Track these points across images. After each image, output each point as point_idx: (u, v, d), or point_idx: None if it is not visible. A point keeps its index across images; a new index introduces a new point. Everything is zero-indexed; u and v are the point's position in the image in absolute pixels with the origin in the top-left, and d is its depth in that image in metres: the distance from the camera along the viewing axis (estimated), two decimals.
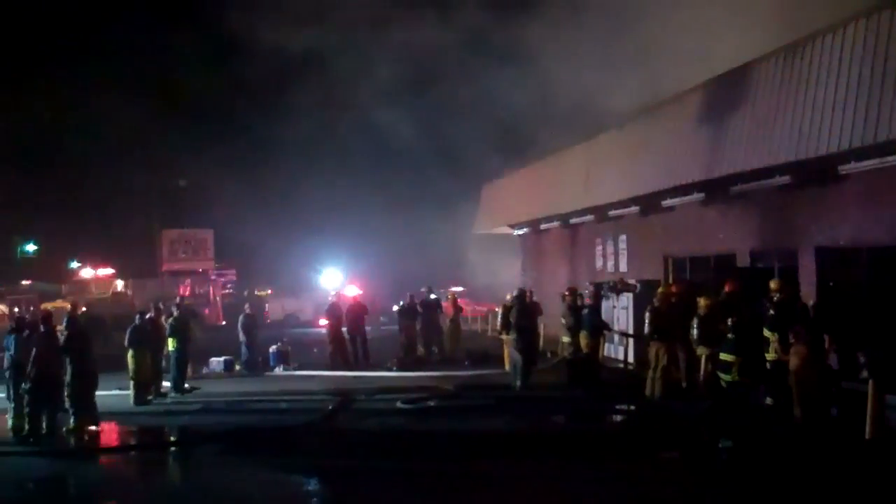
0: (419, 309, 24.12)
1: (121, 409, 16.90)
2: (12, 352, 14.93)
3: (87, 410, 14.85)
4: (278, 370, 22.66)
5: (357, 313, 24.04)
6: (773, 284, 14.39)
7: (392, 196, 46.00)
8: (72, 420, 14.75)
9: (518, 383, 17.48)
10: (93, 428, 14.72)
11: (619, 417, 15.19)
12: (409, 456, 12.40)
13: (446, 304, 25.70)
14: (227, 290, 42.85)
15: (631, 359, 19.40)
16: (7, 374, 15.03)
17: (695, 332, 14.81)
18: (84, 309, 22.66)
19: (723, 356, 13.45)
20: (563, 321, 18.49)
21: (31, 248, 47.93)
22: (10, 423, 14.85)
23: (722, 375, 13.42)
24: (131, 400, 17.65)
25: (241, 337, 23.04)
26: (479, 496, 10.28)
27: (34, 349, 14.56)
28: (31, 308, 27.50)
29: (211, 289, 38.34)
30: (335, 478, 11.37)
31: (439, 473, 11.31)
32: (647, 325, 16.06)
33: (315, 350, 25.88)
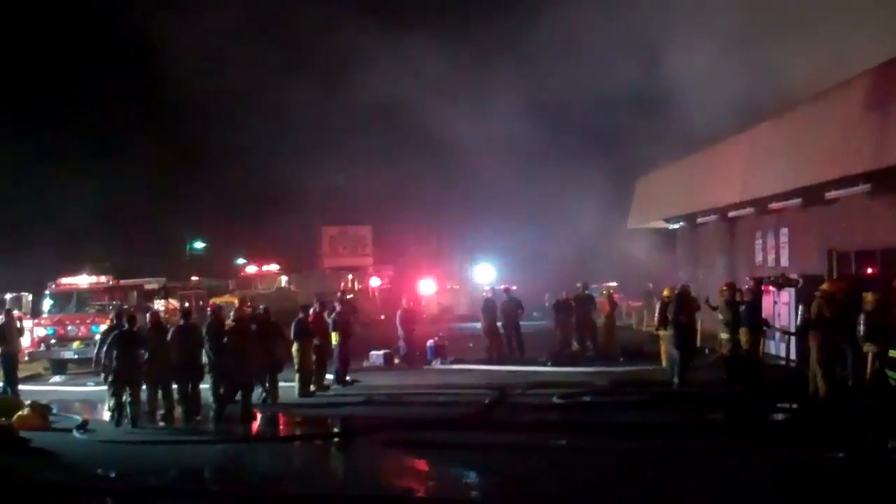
0: (573, 304, 24.11)
1: (286, 401, 17.65)
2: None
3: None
4: (435, 364, 23.08)
5: (512, 308, 24.23)
6: None
7: (546, 191, 45.88)
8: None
9: (675, 380, 17.30)
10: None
11: (780, 416, 14.79)
12: (566, 450, 12.51)
13: (601, 300, 25.57)
14: (385, 285, 43.77)
15: (793, 356, 18.86)
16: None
17: (862, 328, 14.31)
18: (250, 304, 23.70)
19: (892, 353, 12.95)
20: (721, 317, 18.17)
21: (199, 245, 50.12)
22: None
23: (890, 373, 12.92)
24: (296, 392, 18.37)
25: (400, 331, 23.63)
26: (636, 491, 10.28)
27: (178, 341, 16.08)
28: (201, 303, 28.85)
29: (370, 283, 39.20)
30: (494, 470, 11.59)
31: (596, 468, 11.38)
32: (799, 319, 15.67)
33: (470, 344, 26.19)
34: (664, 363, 18.96)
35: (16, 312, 24.86)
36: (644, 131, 36.12)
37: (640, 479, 10.76)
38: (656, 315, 19.39)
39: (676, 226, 33.31)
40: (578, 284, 25.17)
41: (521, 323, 24.69)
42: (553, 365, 21.69)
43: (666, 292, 19.07)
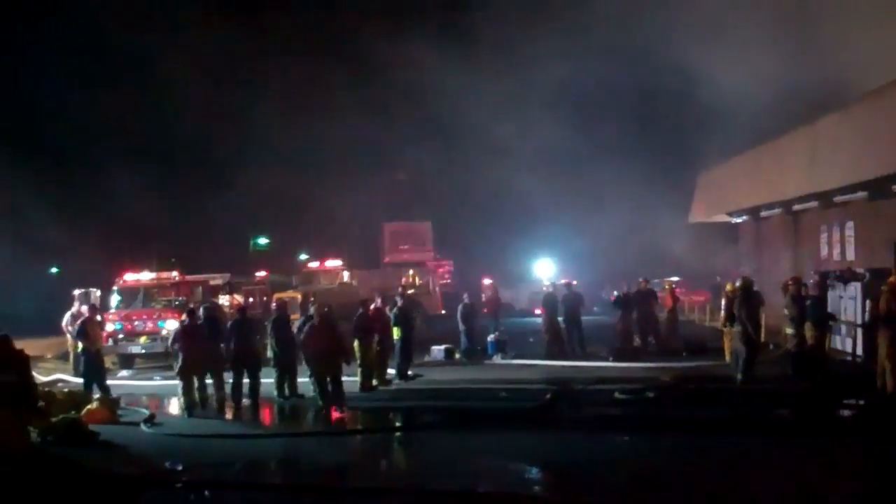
0: (635, 299, 23.97)
1: (349, 395, 17.82)
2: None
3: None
4: (496, 358, 23.10)
5: (573, 303, 24.17)
6: None
7: (606, 185, 45.74)
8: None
9: (740, 375, 17.12)
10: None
11: (847, 412, 14.55)
12: (628, 446, 12.46)
13: (662, 295, 25.40)
14: (445, 280, 43.81)
15: (860, 351, 18.54)
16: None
17: None
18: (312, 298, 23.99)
19: None
20: (787, 312, 17.93)
21: (262, 241, 50.73)
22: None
23: None
24: (358, 386, 18.54)
25: (461, 326, 23.71)
26: (701, 486, 10.19)
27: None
28: (265, 298, 29.20)
29: (430, 279, 39.27)
30: (555, 465, 11.56)
31: (658, 463, 11.31)
32: (867, 314, 15.41)
33: (531, 339, 26.18)
34: (728, 358, 18.77)
35: (84, 308, 25.50)
36: (706, 125, 35.82)
37: (706, 474, 10.69)
38: (722, 310, 19.17)
39: (739, 220, 32.98)
40: (640, 279, 25.04)
41: (582, 318, 24.60)
42: (614, 360, 21.56)
43: (728, 287, 18.88)
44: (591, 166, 45.98)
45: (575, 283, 26.47)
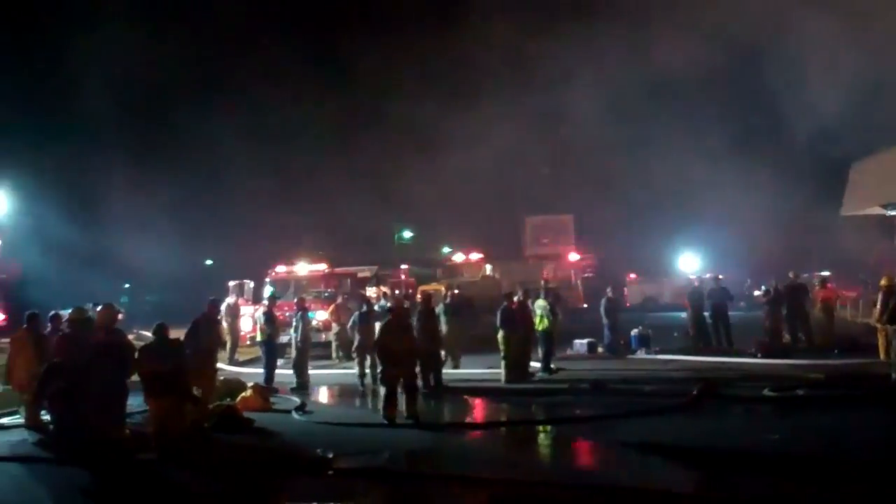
0: (785, 294, 23.37)
1: (492, 387, 18.07)
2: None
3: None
4: (640, 353, 22.98)
5: (720, 297, 23.76)
6: None
7: (754, 177, 44.62)
8: None
9: (894, 375, 16.57)
10: None
11: None
12: (778, 446, 12.18)
13: (816, 290, 24.69)
14: (587, 274, 43.65)
15: None
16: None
17: None
18: (456, 291, 24.37)
19: None
20: None
21: (407, 234, 51.62)
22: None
23: None
24: (502, 378, 18.77)
25: (604, 320, 23.64)
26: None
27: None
28: (409, 291, 29.80)
29: (572, 272, 39.23)
30: (703, 463, 11.44)
31: (809, 467, 11.03)
32: None
33: (675, 334, 25.86)
34: (882, 356, 18.15)
35: (240, 299, 26.56)
36: (860, 113, 34.53)
37: (863, 477, 10.35)
38: (877, 306, 18.52)
39: (894, 212, 31.67)
40: (790, 273, 24.42)
41: (729, 313, 24.15)
42: (762, 357, 21.11)
43: (884, 282, 18.23)
44: (738, 157, 44.93)
45: (721, 277, 25.99)
